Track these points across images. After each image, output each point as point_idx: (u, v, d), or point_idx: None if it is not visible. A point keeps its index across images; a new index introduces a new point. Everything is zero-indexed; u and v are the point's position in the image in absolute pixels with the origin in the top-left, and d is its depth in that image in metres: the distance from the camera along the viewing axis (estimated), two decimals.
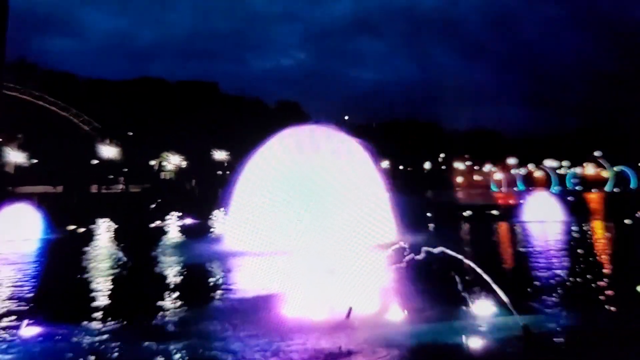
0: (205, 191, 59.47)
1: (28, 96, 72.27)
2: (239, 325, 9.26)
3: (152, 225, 32.83)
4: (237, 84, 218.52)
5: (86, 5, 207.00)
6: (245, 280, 15.10)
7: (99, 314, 10.32)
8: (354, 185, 20.33)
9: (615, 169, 73.63)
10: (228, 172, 70.44)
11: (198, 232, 27.07)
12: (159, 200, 42.44)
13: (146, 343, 8.30)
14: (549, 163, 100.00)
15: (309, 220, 18.80)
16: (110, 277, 14.97)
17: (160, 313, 10.46)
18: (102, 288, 13.39)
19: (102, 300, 11.94)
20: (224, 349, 8.17)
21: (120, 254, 19.33)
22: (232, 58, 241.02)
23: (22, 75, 77.22)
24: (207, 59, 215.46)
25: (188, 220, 35.14)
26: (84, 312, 10.34)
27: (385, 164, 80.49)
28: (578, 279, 13.45)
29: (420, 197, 49.81)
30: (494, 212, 38.20)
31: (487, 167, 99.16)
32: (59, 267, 17.17)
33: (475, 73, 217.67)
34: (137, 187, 72.34)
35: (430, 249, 10.54)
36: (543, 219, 29.24)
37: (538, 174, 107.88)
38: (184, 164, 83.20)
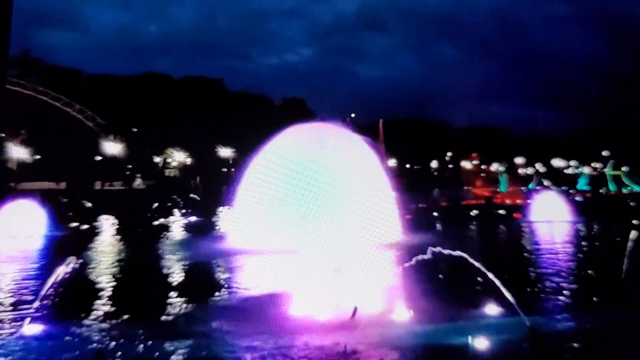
0: (209, 188, 59.33)
1: (32, 91, 72.06)
2: (244, 323, 9.21)
3: (156, 222, 32.75)
4: (243, 81, 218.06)
5: (91, 0, 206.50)
6: (250, 279, 14.98)
7: (102, 312, 10.27)
8: (360, 184, 20.12)
9: (624, 169, 72.99)
10: (233, 169, 70.41)
11: (202, 230, 26.95)
12: (163, 198, 42.33)
13: (150, 342, 8.24)
14: (557, 163, 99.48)
15: (315, 219, 18.61)
16: (114, 277, 14.81)
17: (164, 311, 10.36)
18: (105, 287, 13.27)
19: (106, 299, 11.83)
20: (228, 347, 8.13)
21: (124, 253, 19.20)
22: (237, 54, 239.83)
23: (25, 70, 77.13)
24: (212, 55, 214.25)
25: (192, 218, 35.08)
26: (87, 311, 10.26)
27: (392, 162, 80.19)
28: (584, 281, 13.35)
29: (427, 196, 49.71)
30: (501, 211, 38.05)
31: (495, 166, 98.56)
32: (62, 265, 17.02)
33: (483, 71, 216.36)
34: (142, 184, 72.47)
35: (436, 249, 10.36)
36: (550, 219, 29.01)
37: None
38: (188, 160, 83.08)
